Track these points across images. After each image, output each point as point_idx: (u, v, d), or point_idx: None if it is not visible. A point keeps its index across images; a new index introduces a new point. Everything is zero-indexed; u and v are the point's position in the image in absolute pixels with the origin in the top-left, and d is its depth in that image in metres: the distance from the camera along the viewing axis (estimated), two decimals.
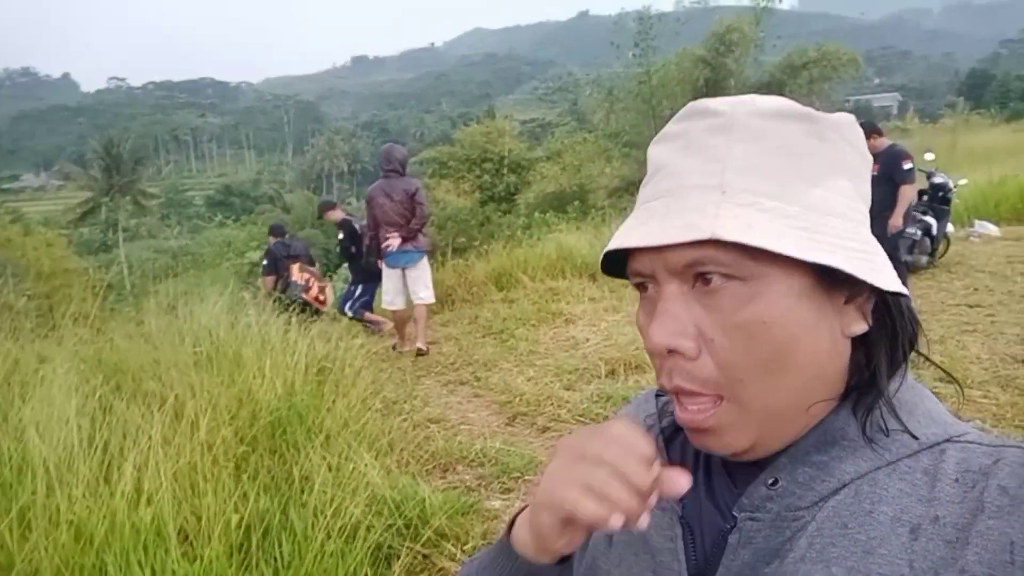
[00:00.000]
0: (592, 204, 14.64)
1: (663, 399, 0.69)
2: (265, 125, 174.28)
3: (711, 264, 0.50)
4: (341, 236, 6.96)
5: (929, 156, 8.22)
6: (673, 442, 0.65)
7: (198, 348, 3.86)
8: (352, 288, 6.98)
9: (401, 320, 6.02)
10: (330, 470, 2.79)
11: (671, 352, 0.51)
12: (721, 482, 0.59)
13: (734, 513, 0.55)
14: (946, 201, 7.31)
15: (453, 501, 2.84)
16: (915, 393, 0.56)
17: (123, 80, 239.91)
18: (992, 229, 8.95)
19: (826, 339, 0.52)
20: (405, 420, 3.98)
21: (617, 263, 0.57)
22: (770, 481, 0.54)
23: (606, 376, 4.45)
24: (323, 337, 4.49)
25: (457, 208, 19.04)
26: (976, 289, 6.12)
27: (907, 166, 5.68)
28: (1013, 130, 26.36)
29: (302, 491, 2.64)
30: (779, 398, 0.52)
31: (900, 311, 0.55)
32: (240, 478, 2.65)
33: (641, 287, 0.55)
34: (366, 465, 2.81)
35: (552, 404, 4.07)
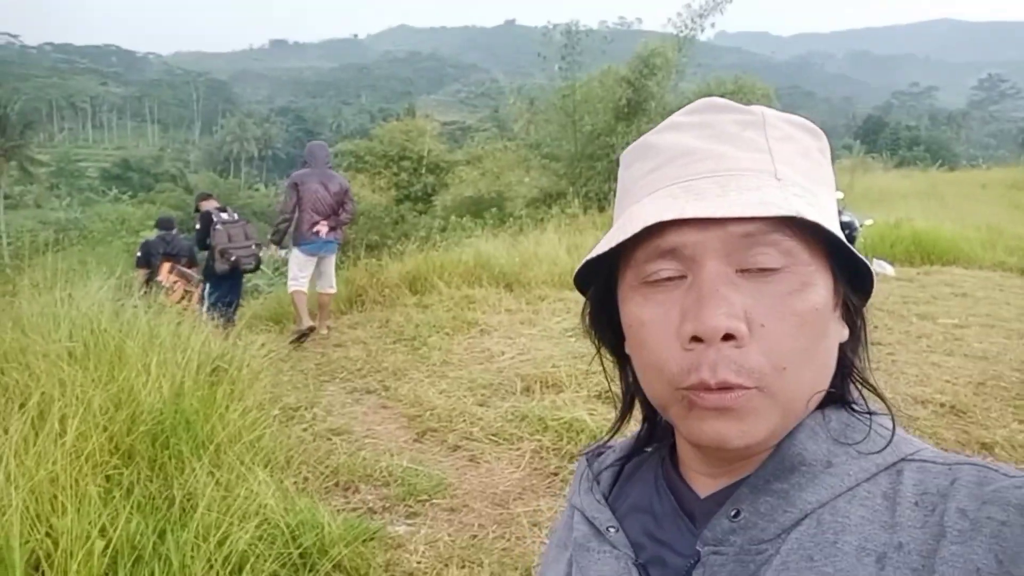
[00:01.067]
0: (510, 212, 14.59)
1: (599, 459, 0.69)
2: (172, 100, 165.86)
3: (773, 248, 0.50)
4: (198, 227, 6.94)
5: (838, 195, 8.55)
6: (620, 495, 0.64)
7: (74, 338, 3.44)
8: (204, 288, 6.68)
9: (302, 300, 6.04)
10: (218, 488, 2.50)
11: (725, 338, 0.49)
12: (681, 525, 0.57)
13: (697, 547, 0.54)
14: (852, 240, 7.60)
15: (355, 527, 2.60)
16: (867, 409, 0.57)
17: (16, 37, 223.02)
18: (888, 269, 9.41)
19: (834, 336, 0.54)
20: (306, 430, 3.69)
21: (590, 272, 0.57)
22: (732, 513, 0.53)
23: (521, 393, 4.29)
24: (220, 334, 4.13)
25: (372, 204, 18.65)
26: (876, 327, 6.27)
27: None
28: (902, 175, 28.28)
29: (183, 512, 2.34)
30: (804, 387, 0.52)
31: (863, 325, 0.58)
32: (111, 495, 2.33)
33: (657, 274, 0.52)
34: (259, 483, 2.53)
35: (464, 420, 3.88)
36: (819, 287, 0.51)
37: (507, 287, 7.34)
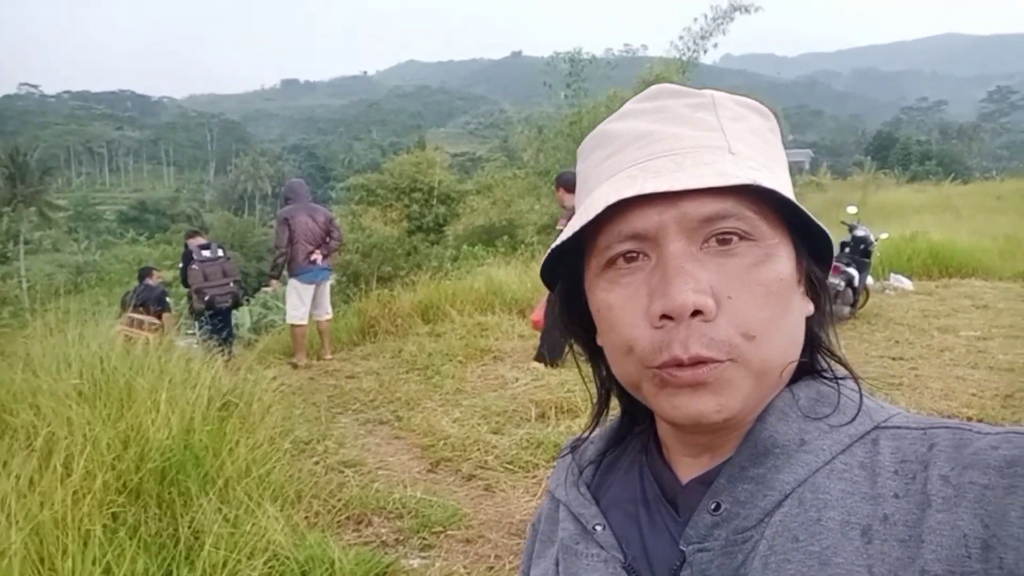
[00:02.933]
0: (521, 240, 14.59)
1: (579, 450, 0.68)
2: (187, 142, 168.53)
3: (733, 219, 0.50)
4: (180, 265, 7.23)
5: (852, 209, 8.47)
6: (603, 486, 0.63)
7: (83, 377, 3.42)
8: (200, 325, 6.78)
9: (302, 334, 6.29)
10: (226, 524, 2.44)
11: (693, 314, 0.49)
12: (665, 515, 0.56)
13: (681, 547, 0.53)
14: (867, 254, 7.50)
15: (366, 561, 2.53)
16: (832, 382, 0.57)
17: (36, 87, 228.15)
18: (906, 283, 9.27)
19: (799, 308, 0.55)
20: (318, 463, 3.63)
21: (557, 267, 0.58)
22: (712, 506, 0.52)
23: (536, 419, 4.22)
24: (231, 367, 4.10)
25: (384, 236, 18.73)
26: (897, 342, 6.23)
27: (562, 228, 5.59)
28: (915, 190, 28.08)
29: (190, 550, 2.28)
30: (777, 358, 0.52)
31: (827, 298, 0.58)
32: (116, 533, 2.28)
33: (622, 259, 0.52)
34: (269, 518, 2.48)
35: (479, 449, 3.80)
36: (782, 258, 0.52)
37: (519, 313, 7.28)
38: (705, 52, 16.04)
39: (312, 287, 6.34)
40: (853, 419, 0.52)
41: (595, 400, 0.69)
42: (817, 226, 0.53)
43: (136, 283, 7.96)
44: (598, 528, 0.59)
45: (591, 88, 16.18)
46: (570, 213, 5.71)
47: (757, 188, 0.49)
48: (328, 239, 6.46)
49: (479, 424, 4.18)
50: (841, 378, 0.57)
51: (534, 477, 3.45)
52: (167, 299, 7.73)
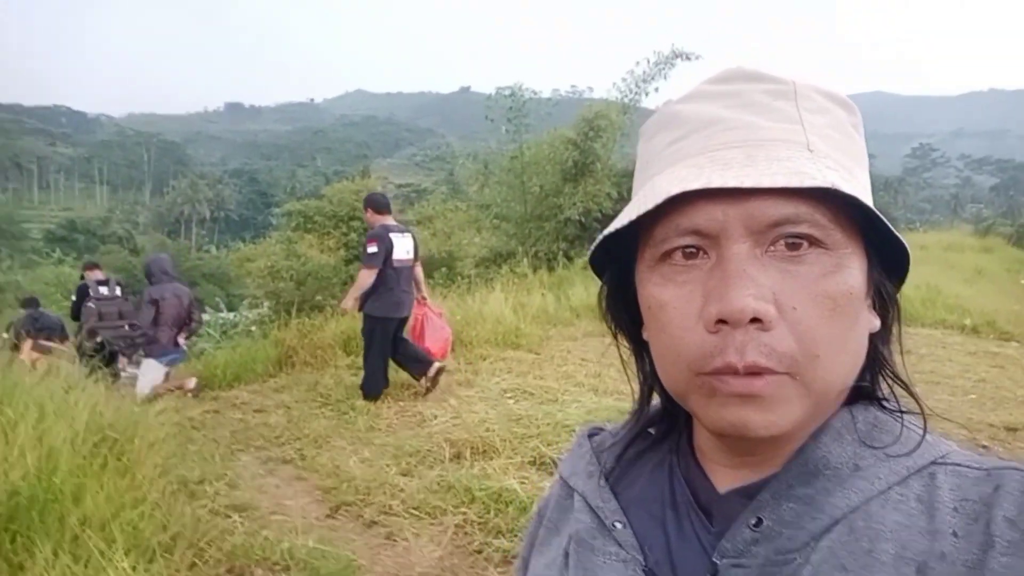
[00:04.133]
0: (459, 272, 14.43)
1: (596, 439, 0.65)
2: (123, 161, 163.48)
3: (805, 224, 0.46)
4: (74, 298, 7.08)
5: None
6: (623, 480, 0.60)
7: None
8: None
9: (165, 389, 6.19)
10: None
11: (752, 322, 0.45)
12: (696, 522, 0.54)
13: (714, 559, 0.50)
14: None
15: None
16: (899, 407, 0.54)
17: None
18: None
19: (866, 325, 0.51)
20: (204, 506, 3.30)
21: (607, 253, 0.55)
22: (753, 521, 0.49)
23: (450, 460, 3.97)
24: (117, 398, 3.75)
25: (319, 264, 18.27)
26: None
27: (370, 249, 5.62)
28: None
29: None
30: (837, 377, 0.48)
31: (896, 315, 0.54)
32: None
33: (679, 253, 0.49)
34: (119, 574, 2.17)
35: (384, 492, 3.53)
36: (854, 270, 0.48)
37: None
38: (647, 95, 16.34)
39: (166, 369, 6.37)
40: (912, 451, 0.49)
41: (636, 396, 0.63)
42: (895, 237, 0.48)
43: (20, 311, 7.60)
44: (617, 525, 0.56)
45: (533, 124, 16.27)
46: (376, 232, 5.64)
47: (834, 192, 0.45)
48: (190, 321, 6.59)
49: (388, 465, 3.92)
50: (904, 411, 0.53)
51: (440, 524, 3.21)
52: (63, 326, 7.36)
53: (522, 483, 3.45)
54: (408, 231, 5.98)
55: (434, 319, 6.02)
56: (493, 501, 3.29)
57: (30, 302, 7.79)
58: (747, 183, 0.45)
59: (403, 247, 5.66)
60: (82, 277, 7.48)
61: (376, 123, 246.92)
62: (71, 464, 2.87)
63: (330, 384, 5.74)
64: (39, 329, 6.99)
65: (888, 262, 0.52)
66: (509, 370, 6.13)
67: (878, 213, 0.47)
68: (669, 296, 0.50)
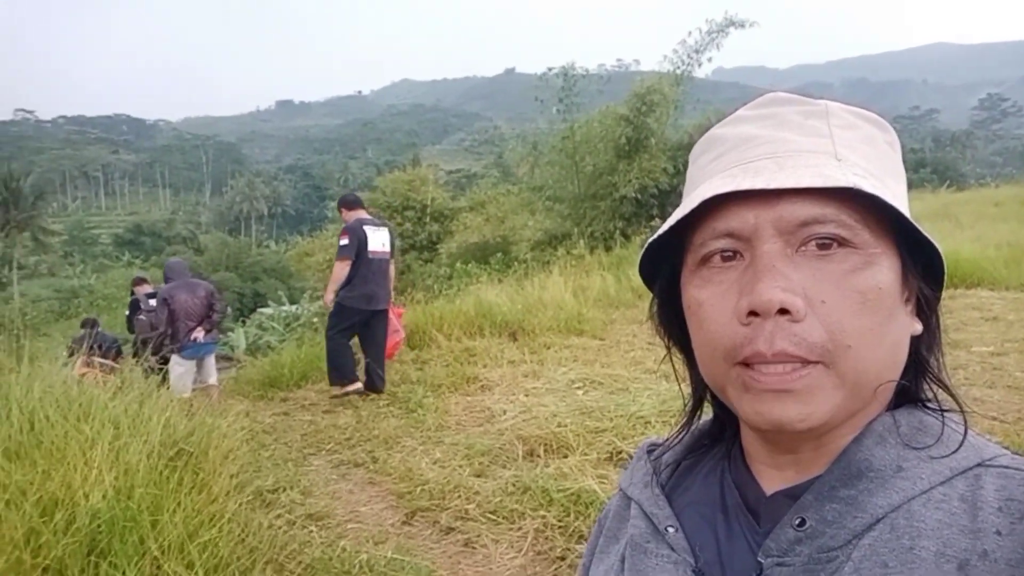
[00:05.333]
0: (515, 256, 14.32)
1: (655, 452, 0.68)
2: (182, 164, 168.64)
3: (832, 224, 0.49)
4: (128, 312, 7.34)
5: None
6: (679, 488, 0.63)
7: (17, 427, 3.06)
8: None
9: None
10: None
11: (779, 312, 0.48)
12: (744, 524, 0.56)
13: (759, 559, 0.52)
14: None
15: None
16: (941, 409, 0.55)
17: (31, 112, 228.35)
18: None
19: (904, 326, 0.52)
20: (280, 516, 3.28)
21: (656, 264, 0.59)
22: (796, 521, 0.51)
23: (524, 458, 3.86)
24: (188, 410, 3.75)
25: None
26: None
27: (342, 242, 5.64)
28: (912, 198, 27.48)
29: None
30: (872, 371, 0.50)
31: (938, 320, 0.56)
32: None
33: (718, 256, 0.53)
34: None
35: (459, 496, 3.44)
36: (883, 268, 0.50)
37: (510, 336, 6.94)
38: (700, 65, 15.85)
39: (194, 362, 6.50)
40: (955, 451, 0.50)
41: (688, 403, 0.67)
42: (927, 240, 0.50)
43: (81, 329, 7.83)
44: (670, 529, 0.58)
45: (584, 103, 15.98)
46: (348, 226, 5.62)
47: (860, 194, 0.47)
48: (211, 313, 6.61)
49: (461, 466, 3.82)
50: (947, 411, 0.54)
51: (519, 529, 3.10)
52: (119, 345, 7.57)
53: (601, 483, 3.30)
54: (385, 225, 5.98)
55: (392, 319, 5.98)
56: (572, 503, 3.16)
57: (88, 322, 7.94)
58: (773, 184, 0.48)
59: (378, 240, 5.71)
60: (132, 292, 7.76)
61: (423, 111, 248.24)
62: (147, 481, 2.86)
63: (395, 380, 5.70)
64: (92, 347, 7.17)
65: (927, 268, 0.53)
66: (575, 359, 5.99)
67: (905, 215, 0.48)
68: (707, 295, 0.52)
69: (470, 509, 3.31)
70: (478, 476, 3.69)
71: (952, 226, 16.32)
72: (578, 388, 5.09)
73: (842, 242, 0.49)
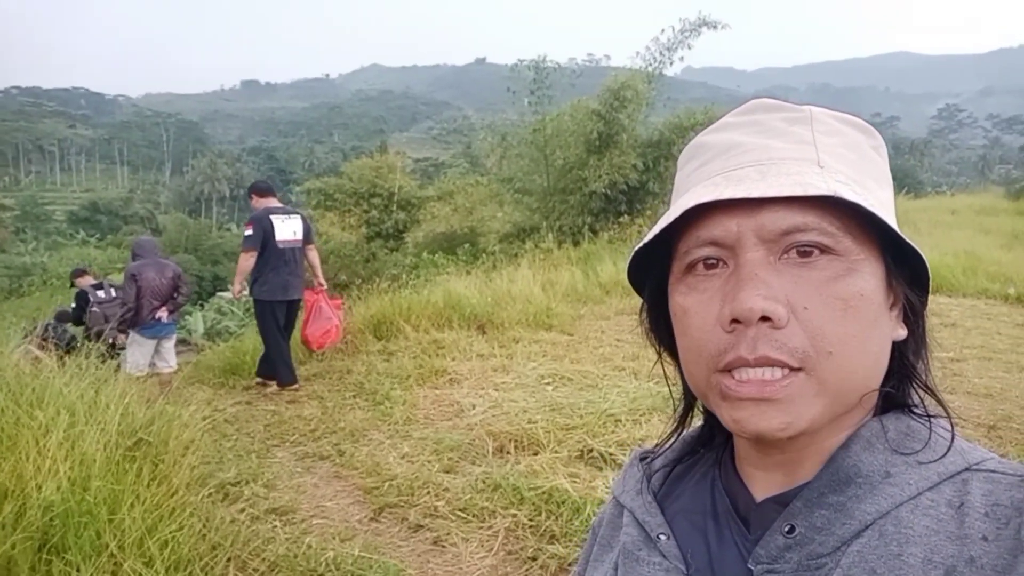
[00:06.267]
0: (483, 248, 14.25)
1: (647, 460, 0.68)
2: (142, 142, 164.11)
3: (814, 232, 0.49)
4: (73, 305, 7.21)
5: None
6: (671, 495, 0.63)
7: None
8: None
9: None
10: None
11: (762, 320, 0.48)
12: (735, 530, 0.56)
13: (749, 566, 0.52)
14: None
15: None
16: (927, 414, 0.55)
17: None
18: None
19: (888, 332, 0.53)
20: (243, 511, 3.18)
21: (644, 270, 0.59)
22: (786, 528, 0.51)
23: (493, 455, 3.81)
24: (147, 397, 3.61)
25: (341, 242, 18.22)
26: None
27: (247, 232, 5.64)
28: None
29: None
30: (855, 378, 0.50)
31: (923, 326, 0.56)
32: None
33: (702, 264, 0.53)
34: None
35: (428, 492, 3.37)
36: (865, 274, 0.50)
37: (479, 329, 6.88)
38: (671, 64, 15.91)
39: (153, 342, 6.44)
40: (942, 456, 0.50)
41: (677, 409, 0.67)
42: (909, 246, 0.51)
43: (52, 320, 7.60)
44: (662, 537, 0.59)
45: (556, 96, 15.94)
46: (253, 215, 5.59)
47: (841, 201, 0.47)
48: (176, 295, 6.58)
49: (430, 461, 3.76)
50: (933, 416, 0.54)
51: (490, 527, 3.04)
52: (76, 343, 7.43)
53: (573, 481, 3.27)
54: (297, 213, 5.90)
55: (325, 308, 5.91)
56: (544, 502, 3.12)
57: (62, 315, 7.77)
58: (755, 194, 0.48)
59: (288, 228, 5.64)
60: (72, 285, 7.63)
61: (392, 97, 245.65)
62: (104, 472, 2.73)
63: (362, 371, 5.59)
64: (44, 339, 6.99)
65: (912, 274, 0.54)
66: (544, 353, 5.96)
67: (886, 222, 0.48)
68: (692, 302, 0.53)
69: (439, 506, 3.25)
70: (447, 472, 3.62)
71: (912, 232, 16.67)
72: (548, 384, 5.06)
73: (824, 249, 0.49)
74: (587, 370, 5.32)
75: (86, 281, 7.46)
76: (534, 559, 2.79)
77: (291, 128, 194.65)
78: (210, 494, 3.09)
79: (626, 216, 13.51)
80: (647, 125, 16.06)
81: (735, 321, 0.49)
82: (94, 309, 6.94)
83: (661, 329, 0.62)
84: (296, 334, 5.96)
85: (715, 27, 15.36)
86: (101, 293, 7.10)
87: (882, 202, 0.53)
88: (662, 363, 0.65)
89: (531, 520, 3.03)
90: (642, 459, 0.69)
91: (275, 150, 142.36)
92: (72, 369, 3.55)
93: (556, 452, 3.69)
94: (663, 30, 15.48)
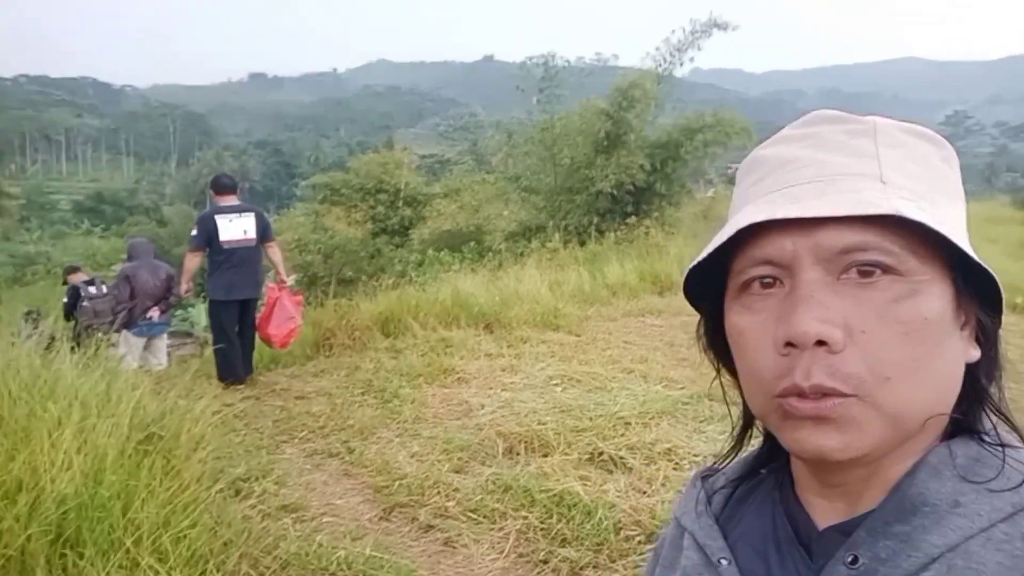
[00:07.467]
0: (488, 246, 14.24)
1: (710, 480, 0.67)
2: (149, 133, 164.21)
3: (875, 251, 0.47)
4: (65, 299, 7.43)
5: None
6: (733, 518, 0.62)
7: None
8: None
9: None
10: None
11: (817, 344, 0.47)
12: (798, 559, 0.54)
13: None
14: None
15: None
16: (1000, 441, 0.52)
17: None
18: None
19: (959, 355, 0.51)
20: (254, 507, 3.18)
21: (704, 286, 0.57)
22: (849, 559, 0.50)
23: (503, 455, 3.80)
24: (159, 391, 3.61)
25: (347, 238, 18.23)
26: None
27: (192, 233, 5.76)
28: None
29: None
30: (915, 404, 0.48)
31: (996, 347, 0.54)
32: None
33: (757, 283, 0.52)
34: None
35: (439, 492, 3.37)
36: (931, 296, 0.48)
37: (486, 328, 6.86)
38: (681, 64, 15.87)
39: (143, 340, 6.82)
40: (1019, 486, 0.48)
41: (736, 426, 0.66)
42: (979, 265, 0.48)
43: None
44: (723, 562, 0.57)
45: (564, 95, 15.91)
46: (200, 216, 5.74)
47: (903, 219, 0.46)
48: (168, 295, 6.92)
49: (440, 460, 3.75)
50: (1006, 445, 0.51)
51: (501, 529, 3.04)
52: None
53: (584, 484, 3.26)
54: (251, 211, 5.89)
55: (287, 305, 5.87)
56: (555, 505, 3.11)
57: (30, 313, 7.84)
58: (810, 213, 0.46)
59: (236, 228, 5.65)
60: (65, 282, 7.78)
61: (399, 93, 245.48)
62: (117, 466, 2.73)
63: (370, 368, 5.59)
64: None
65: (982, 293, 0.51)
66: (552, 354, 5.95)
67: (954, 241, 0.46)
68: (747, 323, 0.52)
69: (450, 507, 3.24)
70: (457, 472, 3.62)
71: None
72: (556, 385, 5.05)
73: (886, 269, 0.47)
74: (596, 372, 5.31)
75: (78, 277, 7.65)
76: (546, 562, 2.78)
77: (298, 122, 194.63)
78: (221, 490, 3.08)
79: (633, 217, 13.49)
80: (655, 126, 16.04)
81: (789, 344, 0.48)
82: (84, 304, 7.08)
83: (720, 345, 0.61)
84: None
85: (725, 28, 15.33)
86: (92, 289, 7.26)
87: (951, 218, 0.51)
88: (720, 381, 0.64)
89: (542, 523, 3.03)
90: (703, 478, 0.68)
91: (281, 144, 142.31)
92: (83, 361, 3.55)
93: (566, 454, 3.69)
94: (673, 30, 15.44)
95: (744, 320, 0.52)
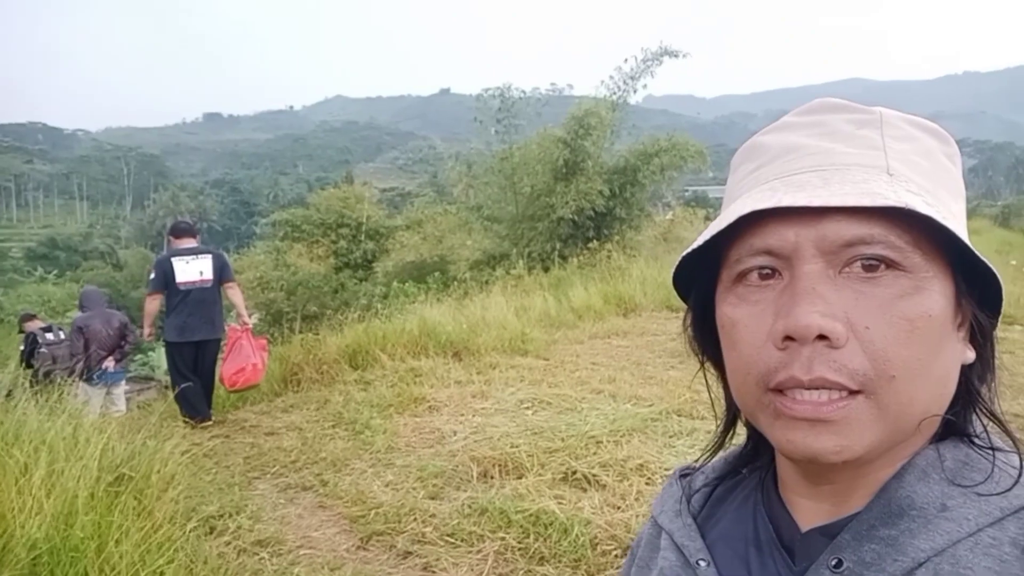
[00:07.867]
0: (453, 276, 14.29)
1: (688, 478, 0.65)
2: (102, 176, 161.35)
3: (880, 245, 0.46)
4: (21, 347, 7.41)
5: None
6: (712, 518, 0.61)
7: None
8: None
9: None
10: None
11: (818, 338, 0.45)
12: (779, 561, 0.53)
13: None
14: None
15: None
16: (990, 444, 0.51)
17: None
18: None
19: (956, 355, 0.49)
20: (229, 544, 3.14)
21: (691, 276, 0.56)
22: (833, 562, 0.48)
23: (478, 480, 3.82)
24: (128, 432, 3.57)
25: (310, 273, 18.13)
26: None
27: (150, 277, 5.93)
28: None
29: None
30: (917, 404, 0.47)
31: (992, 348, 0.52)
32: None
33: (755, 274, 0.50)
34: None
35: (415, 519, 3.37)
36: (934, 293, 0.47)
37: (455, 356, 6.89)
38: (635, 92, 16.26)
39: (103, 390, 6.88)
40: (1008, 490, 0.47)
41: (720, 423, 0.64)
42: (982, 263, 0.47)
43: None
44: (702, 564, 0.56)
45: (522, 124, 16.17)
46: (157, 259, 5.88)
47: (911, 213, 0.44)
48: (123, 343, 7.06)
49: (415, 488, 3.76)
50: (996, 448, 0.50)
51: (479, 551, 3.06)
52: None
53: (559, 503, 3.30)
54: (209, 253, 5.96)
55: (245, 346, 5.81)
56: (531, 524, 3.14)
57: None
58: (816, 202, 0.45)
59: (192, 270, 5.72)
60: (21, 330, 7.78)
61: (357, 128, 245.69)
62: (88, 508, 2.70)
63: (340, 401, 5.56)
64: None
65: (982, 293, 0.50)
66: (521, 378, 5.99)
67: (960, 237, 0.45)
68: (741, 314, 0.50)
69: (427, 532, 3.25)
70: (433, 498, 3.63)
71: None
72: (527, 408, 5.09)
73: (890, 264, 0.46)
74: (565, 393, 5.37)
75: (35, 324, 7.63)
76: None
77: (255, 160, 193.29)
78: (195, 528, 3.05)
79: (595, 241, 13.69)
80: (612, 152, 16.35)
81: (788, 338, 0.46)
82: (43, 350, 7.05)
83: (706, 339, 0.59)
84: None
85: (676, 55, 15.78)
86: (50, 335, 7.23)
87: (955, 215, 0.50)
88: (704, 374, 0.61)
89: (520, 543, 3.06)
90: (682, 476, 0.66)
91: (239, 182, 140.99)
92: (47, 406, 3.50)
93: (540, 475, 3.72)
94: (626, 59, 15.86)
95: (738, 311, 0.50)
